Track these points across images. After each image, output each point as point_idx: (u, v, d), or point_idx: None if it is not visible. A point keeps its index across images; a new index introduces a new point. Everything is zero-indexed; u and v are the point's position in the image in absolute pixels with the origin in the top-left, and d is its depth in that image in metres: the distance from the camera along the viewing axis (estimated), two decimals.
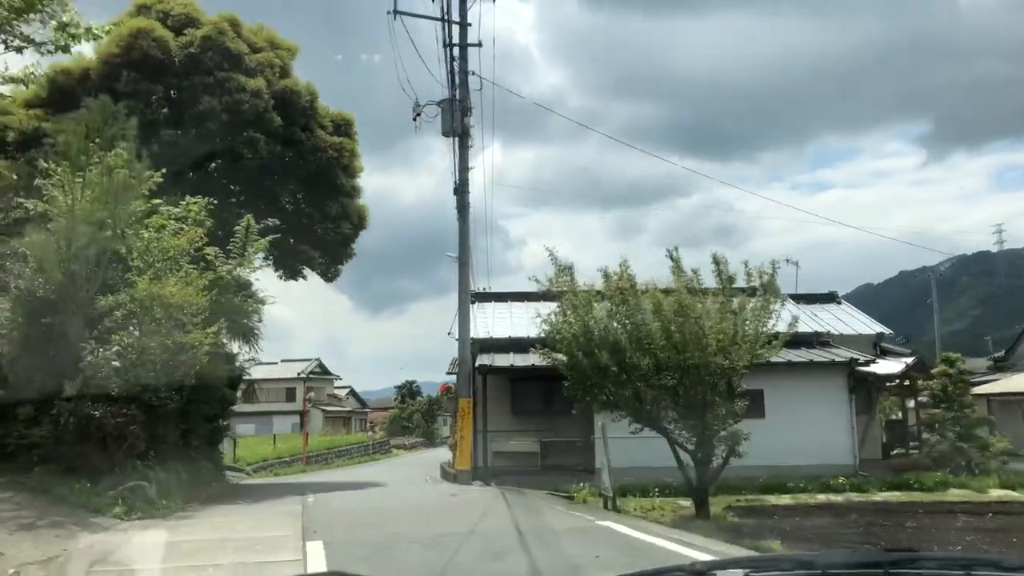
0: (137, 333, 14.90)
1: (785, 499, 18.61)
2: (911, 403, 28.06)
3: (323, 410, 77.10)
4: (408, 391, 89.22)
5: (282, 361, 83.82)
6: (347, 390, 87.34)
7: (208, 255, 17.51)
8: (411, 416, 79.68)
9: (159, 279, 15.29)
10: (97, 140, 15.50)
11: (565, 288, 14.74)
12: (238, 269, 18.21)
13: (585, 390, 14.33)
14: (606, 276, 14.10)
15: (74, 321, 14.69)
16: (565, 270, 15.00)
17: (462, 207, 20.93)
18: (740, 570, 2.26)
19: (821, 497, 18.72)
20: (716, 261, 14.60)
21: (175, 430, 16.38)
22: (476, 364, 21.13)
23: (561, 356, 14.73)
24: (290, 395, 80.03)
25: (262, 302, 23.15)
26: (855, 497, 18.85)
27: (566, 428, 22.67)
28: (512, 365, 21.26)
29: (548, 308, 16.42)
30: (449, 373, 38.96)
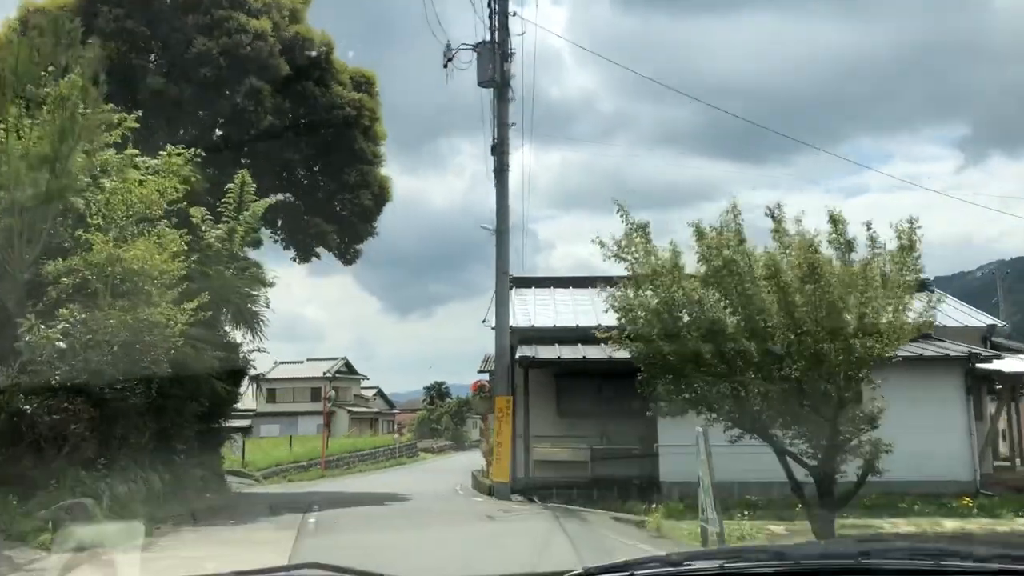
0: (92, 308, 11.65)
1: (902, 524, 14.91)
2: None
3: (349, 411, 74.12)
4: (437, 392, 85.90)
5: (308, 360, 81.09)
6: (374, 391, 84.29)
7: (193, 217, 14.25)
8: (440, 418, 76.39)
9: (124, 241, 12.03)
10: (51, 68, 12.32)
11: (639, 251, 11.15)
12: (236, 239, 14.85)
13: (669, 385, 10.74)
14: (699, 233, 10.49)
15: (9, 290, 11.49)
16: (638, 229, 11.42)
17: (500, 169, 17.48)
18: (716, 561, 2.20)
19: (949, 524, 14.98)
20: (834, 220, 10.99)
21: (142, 430, 13.03)
22: (516, 356, 17.62)
23: (635, 343, 11.14)
24: (316, 395, 77.03)
25: (265, 283, 19.99)
26: (990, 523, 15.09)
27: (620, 433, 19.13)
28: (559, 358, 17.73)
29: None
30: (481, 371, 35.52)
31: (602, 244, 11.56)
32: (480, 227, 19.23)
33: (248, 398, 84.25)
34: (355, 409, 75.39)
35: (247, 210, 14.69)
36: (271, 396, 77.69)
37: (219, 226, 14.50)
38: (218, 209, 15.45)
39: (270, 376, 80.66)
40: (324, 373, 76.36)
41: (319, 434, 53.98)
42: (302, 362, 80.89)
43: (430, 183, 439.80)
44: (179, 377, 13.91)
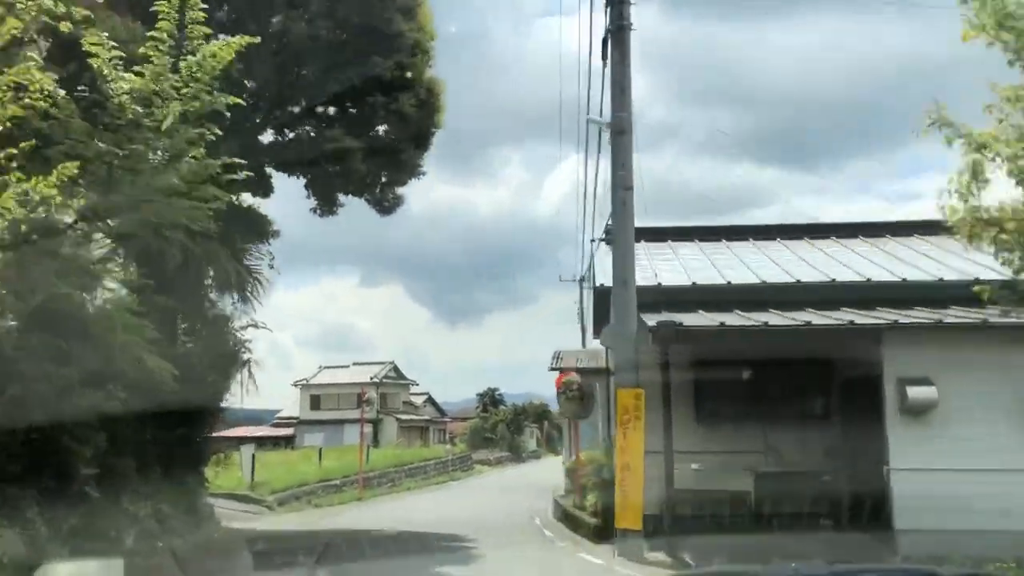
0: None
1: None
2: None
3: (397, 419, 68.10)
4: (490, 399, 79.43)
5: (354, 364, 75.38)
6: (424, 397, 78.20)
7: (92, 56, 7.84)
8: (494, 427, 69.89)
9: None
10: None
11: None
12: (168, 111, 8.16)
13: None
14: None
15: None
16: None
17: (618, 25, 10.80)
18: None
19: None
20: None
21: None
22: (653, 326, 10.71)
23: None
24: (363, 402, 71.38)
25: (266, 231, 13.74)
26: None
27: (796, 448, 12.34)
28: (723, 325, 10.84)
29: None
30: (553, 368, 28.96)
31: None
32: (588, 120, 12.53)
33: (292, 405, 79.16)
34: (404, 417, 69.36)
35: (195, 53, 8.10)
36: (315, 403, 72.17)
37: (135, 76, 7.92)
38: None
39: (314, 382, 75.28)
40: (371, 378, 70.50)
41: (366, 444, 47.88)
42: (347, 367, 75.22)
43: (477, 192, 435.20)
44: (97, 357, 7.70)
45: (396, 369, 73.67)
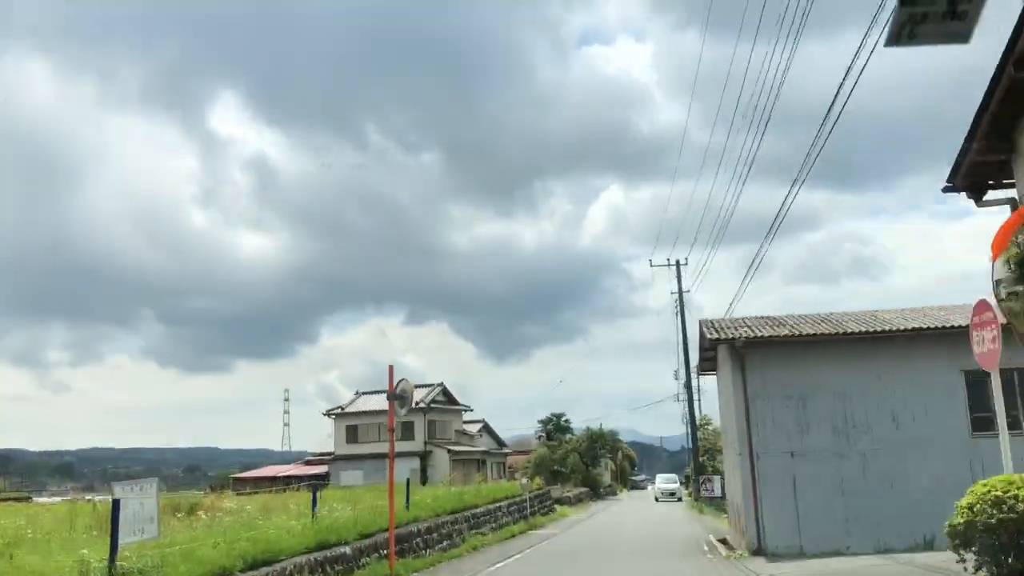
0: None
1: None
2: None
3: (449, 450, 56.49)
4: (555, 426, 67.25)
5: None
6: (479, 425, 66.51)
7: None
8: (565, 458, 57.82)
9: None
10: None
11: None
12: None
13: None
14: None
15: None
16: None
17: None
18: None
19: None
20: None
21: None
22: None
23: None
24: (407, 431, 59.97)
25: None
26: None
27: None
28: None
29: None
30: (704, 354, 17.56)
31: None
32: None
33: (325, 439, 67.96)
34: (457, 448, 57.71)
35: None
36: (352, 435, 60.85)
37: None
38: None
39: (350, 410, 64.16)
40: (417, 403, 59.20)
41: (410, 481, 35.83)
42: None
43: (521, 226, 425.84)
44: None
45: (446, 392, 62.16)
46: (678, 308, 40.14)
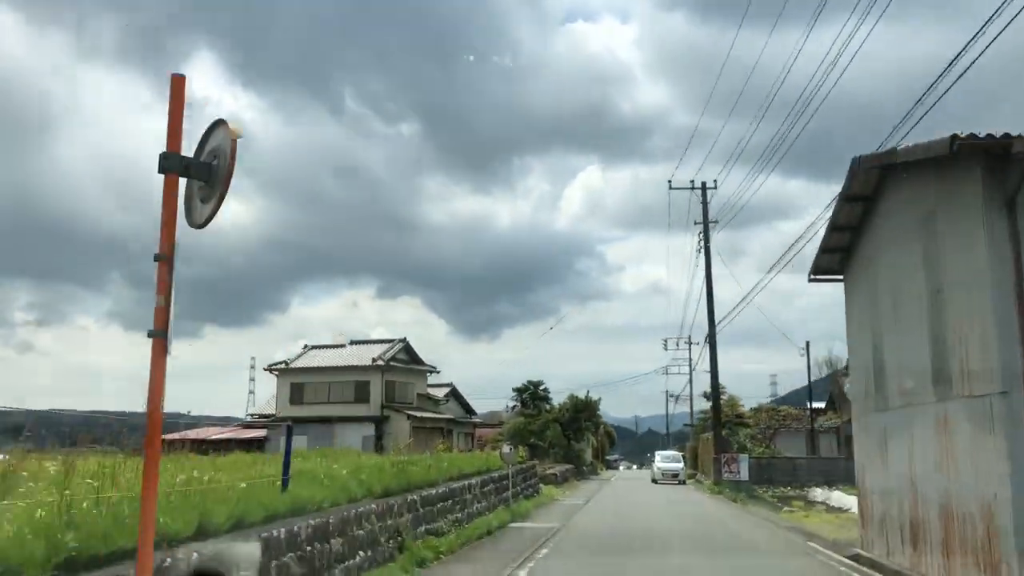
0: None
1: None
2: None
3: (409, 415, 47.70)
4: (532, 395, 58.62)
5: (352, 343, 55.03)
6: (446, 389, 57.76)
7: None
8: (544, 429, 49.24)
9: None
10: None
11: None
12: None
13: None
14: None
15: None
16: None
17: None
18: None
19: None
20: None
21: None
22: None
23: None
24: (361, 392, 51.09)
25: None
26: None
27: None
28: None
29: None
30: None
31: None
32: None
33: (263, 397, 58.59)
34: (419, 414, 48.86)
35: None
36: (296, 394, 51.86)
37: None
38: None
39: (296, 365, 55.17)
40: (374, 360, 50.27)
41: (366, 452, 26.79)
42: (343, 346, 54.97)
43: (498, 203, 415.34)
44: None
45: (409, 350, 53.17)
46: (701, 243, 31.55)
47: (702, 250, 31.73)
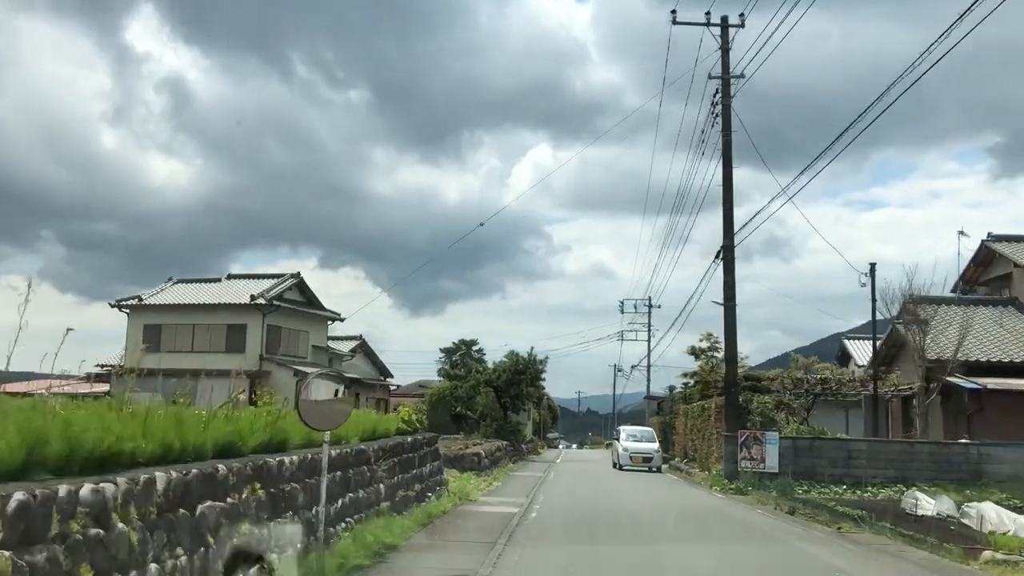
0: None
1: None
2: None
3: (297, 371, 35.59)
4: (465, 355, 46.87)
5: (229, 278, 42.48)
6: (354, 343, 45.57)
7: None
8: (473, 395, 37.54)
9: None
10: None
11: None
12: None
13: None
14: None
15: None
16: None
17: None
18: None
19: None
20: None
21: None
22: None
23: None
24: (235, 338, 38.66)
25: None
26: None
27: None
28: None
29: None
30: None
31: None
32: None
33: (106, 339, 45.19)
34: (308, 369, 36.81)
35: None
36: (152, 338, 39.19)
37: None
38: None
39: (153, 301, 42.33)
40: (253, 298, 37.94)
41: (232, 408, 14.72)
42: (218, 280, 42.40)
43: (447, 176, 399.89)
44: None
45: (303, 288, 40.92)
46: (718, 105, 20.16)
47: (719, 116, 20.27)
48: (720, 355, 26.98)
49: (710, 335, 30.23)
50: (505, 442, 30.86)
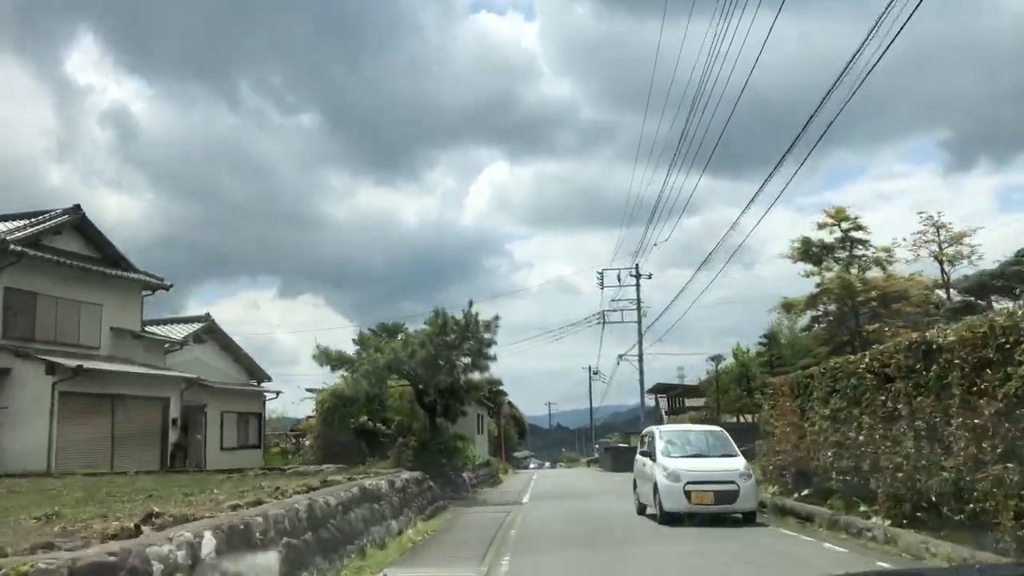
0: None
1: None
2: None
3: (58, 365, 19.08)
4: (390, 333, 29.88)
5: None
6: (196, 326, 28.47)
7: None
8: (376, 393, 21.34)
9: None
10: None
11: None
12: None
13: None
14: None
15: None
16: None
17: None
18: None
19: None
20: None
21: None
22: None
23: None
24: None
25: None
26: None
27: None
28: None
29: None
30: None
31: None
32: None
33: None
34: (91, 365, 20.46)
35: None
36: None
37: None
38: None
39: None
40: None
41: None
42: None
43: (404, 198, 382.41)
44: None
45: (87, 232, 24.32)
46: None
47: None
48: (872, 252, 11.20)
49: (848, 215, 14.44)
50: (416, 474, 14.62)
